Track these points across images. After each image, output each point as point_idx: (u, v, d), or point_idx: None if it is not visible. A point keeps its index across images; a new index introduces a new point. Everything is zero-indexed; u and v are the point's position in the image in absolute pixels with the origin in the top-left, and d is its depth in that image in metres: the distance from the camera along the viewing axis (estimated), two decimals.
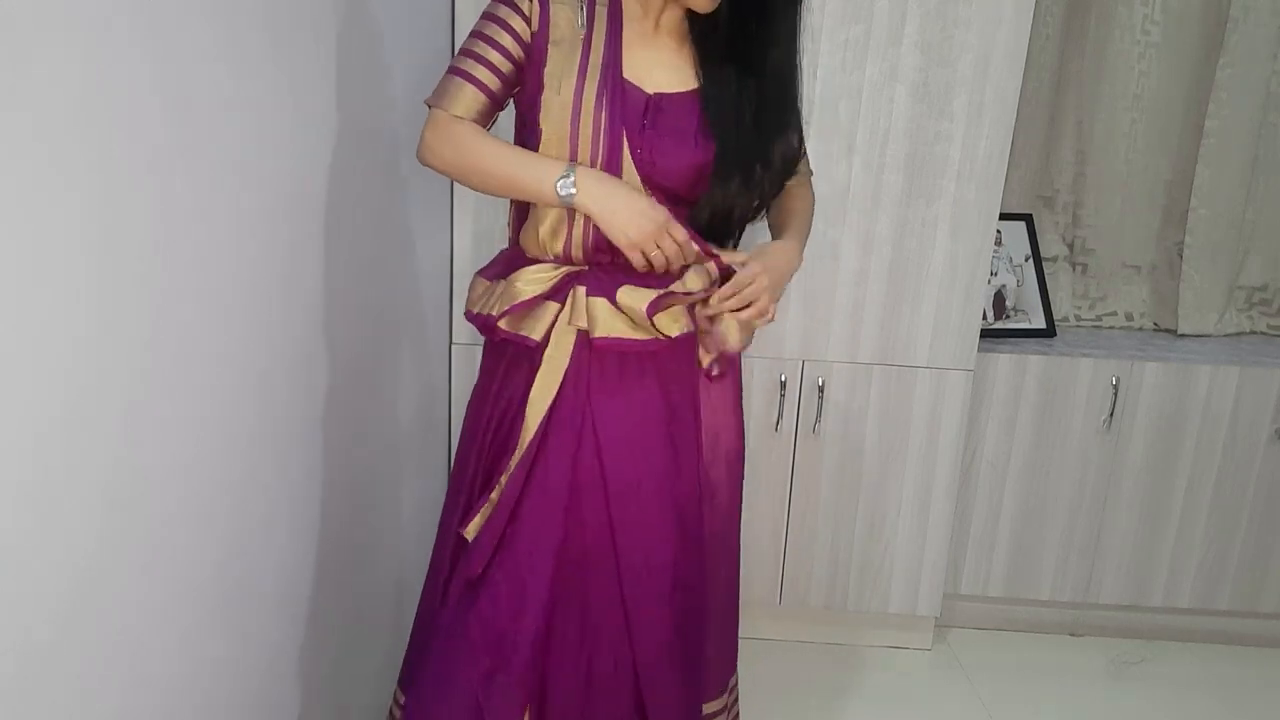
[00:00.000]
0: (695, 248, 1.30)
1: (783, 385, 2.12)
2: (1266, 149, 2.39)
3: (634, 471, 1.31)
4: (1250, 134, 2.36)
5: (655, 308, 1.27)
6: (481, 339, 1.41)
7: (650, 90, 1.30)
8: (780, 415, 2.14)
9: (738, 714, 1.63)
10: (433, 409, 2.02)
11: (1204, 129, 2.35)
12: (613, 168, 1.27)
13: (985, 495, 2.29)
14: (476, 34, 1.29)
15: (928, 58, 1.96)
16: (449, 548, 1.39)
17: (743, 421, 1.49)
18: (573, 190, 1.23)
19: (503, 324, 1.30)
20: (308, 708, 1.42)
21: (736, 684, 1.61)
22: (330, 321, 1.40)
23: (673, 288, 1.29)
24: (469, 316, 1.37)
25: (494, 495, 1.31)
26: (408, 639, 1.50)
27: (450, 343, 2.10)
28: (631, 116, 1.28)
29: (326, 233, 1.37)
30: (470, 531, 1.32)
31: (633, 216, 1.23)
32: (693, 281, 1.31)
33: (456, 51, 1.32)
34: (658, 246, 1.26)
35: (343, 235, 1.43)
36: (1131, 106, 2.38)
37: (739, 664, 1.62)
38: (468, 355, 2.10)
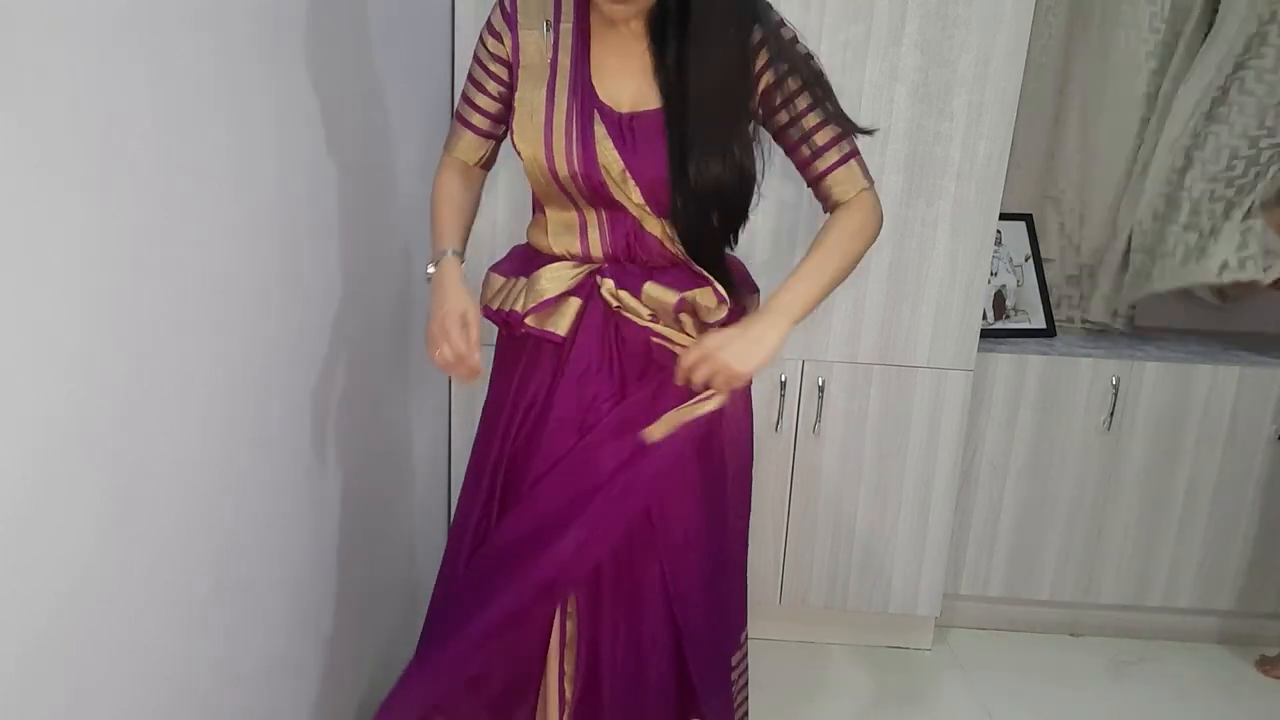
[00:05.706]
0: (470, 354, 1.28)
1: (783, 385, 2.12)
2: None
3: (670, 452, 1.33)
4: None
5: (682, 306, 1.32)
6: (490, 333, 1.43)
7: (624, 110, 1.30)
8: (780, 415, 2.14)
9: (746, 695, 1.62)
10: (433, 407, 2.02)
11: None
12: (593, 186, 1.29)
13: (985, 495, 2.29)
14: (468, 75, 1.37)
15: (928, 58, 1.96)
16: (466, 539, 1.41)
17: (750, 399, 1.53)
18: (429, 275, 1.34)
19: (530, 320, 1.34)
20: (310, 708, 1.42)
21: (746, 640, 1.61)
22: (330, 320, 1.41)
23: (687, 295, 1.33)
24: (486, 313, 1.39)
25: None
26: (415, 640, 1.50)
27: None
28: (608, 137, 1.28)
29: (326, 232, 1.38)
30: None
31: (434, 319, 1.29)
32: (704, 298, 1.34)
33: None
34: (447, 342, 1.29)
35: (342, 234, 1.43)
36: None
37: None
38: None
